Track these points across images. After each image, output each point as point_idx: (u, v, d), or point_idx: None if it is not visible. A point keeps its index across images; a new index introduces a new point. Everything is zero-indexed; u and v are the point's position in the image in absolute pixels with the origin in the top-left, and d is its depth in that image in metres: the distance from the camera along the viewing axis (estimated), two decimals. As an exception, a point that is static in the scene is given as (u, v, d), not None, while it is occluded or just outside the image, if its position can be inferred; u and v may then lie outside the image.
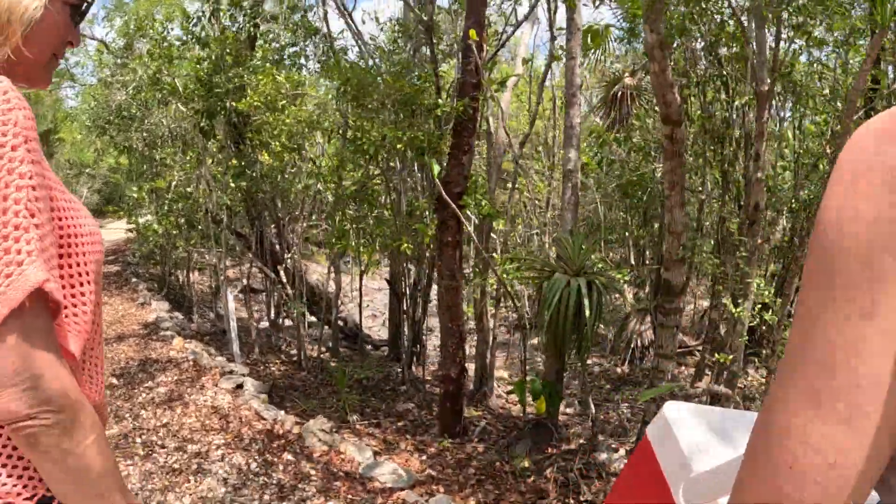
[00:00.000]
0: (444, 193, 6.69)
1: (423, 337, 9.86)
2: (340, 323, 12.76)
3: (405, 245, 6.84)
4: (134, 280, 16.45)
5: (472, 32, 6.55)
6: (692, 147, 9.65)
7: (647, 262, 11.96)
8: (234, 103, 8.57)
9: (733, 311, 6.11)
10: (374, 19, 8.92)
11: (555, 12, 7.21)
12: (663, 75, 5.45)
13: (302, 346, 10.25)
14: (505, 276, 6.69)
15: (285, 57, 10.46)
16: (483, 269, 7.75)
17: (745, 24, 6.57)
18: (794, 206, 6.96)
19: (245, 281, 12.48)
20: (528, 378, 7.04)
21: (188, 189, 12.48)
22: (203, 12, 11.03)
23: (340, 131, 8.61)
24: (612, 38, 12.09)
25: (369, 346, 12.84)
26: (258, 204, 10.92)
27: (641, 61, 12.70)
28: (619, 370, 12.07)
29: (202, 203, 11.21)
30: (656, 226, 11.65)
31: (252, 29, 10.15)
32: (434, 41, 7.43)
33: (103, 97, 16.12)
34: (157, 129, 14.46)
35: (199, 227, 11.99)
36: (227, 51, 9.92)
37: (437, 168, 5.13)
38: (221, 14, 10.87)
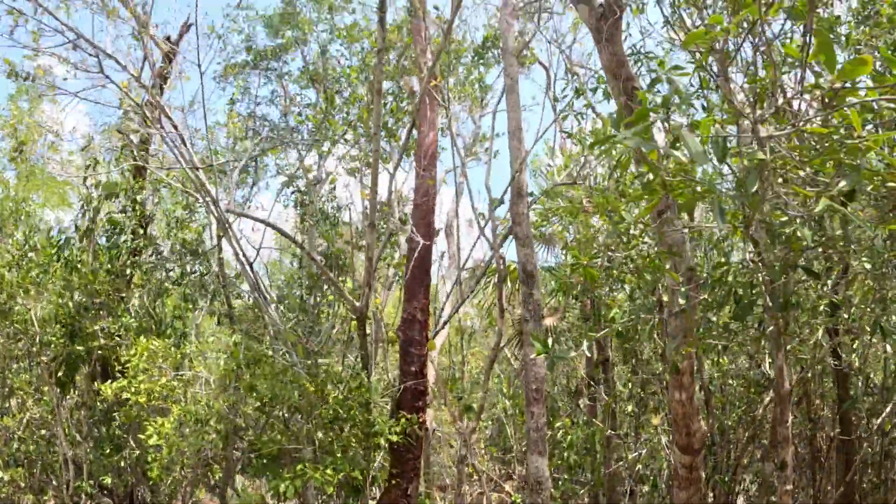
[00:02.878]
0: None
1: None
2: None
3: None
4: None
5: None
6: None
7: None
8: (99, 387, 6.59)
9: None
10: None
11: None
12: (689, 404, 4.30)
13: None
14: None
15: (168, 286, 8.62)
16: None
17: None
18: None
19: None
20: None
21: (42, 431, 10.07)
22: (77, 226, 9.16)
23: (238, 434, 6.68)
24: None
25: None
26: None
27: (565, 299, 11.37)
28: None
29: (60, 453, 8.92)
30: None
31: (129, 265, 8.31)
32: (366, 335, 5.78)
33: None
34: (11, 346, 12.03)
35: (55, 479, 9.54)
36: (97, 288, 8.04)
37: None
38: (96, 234, 8.92)
